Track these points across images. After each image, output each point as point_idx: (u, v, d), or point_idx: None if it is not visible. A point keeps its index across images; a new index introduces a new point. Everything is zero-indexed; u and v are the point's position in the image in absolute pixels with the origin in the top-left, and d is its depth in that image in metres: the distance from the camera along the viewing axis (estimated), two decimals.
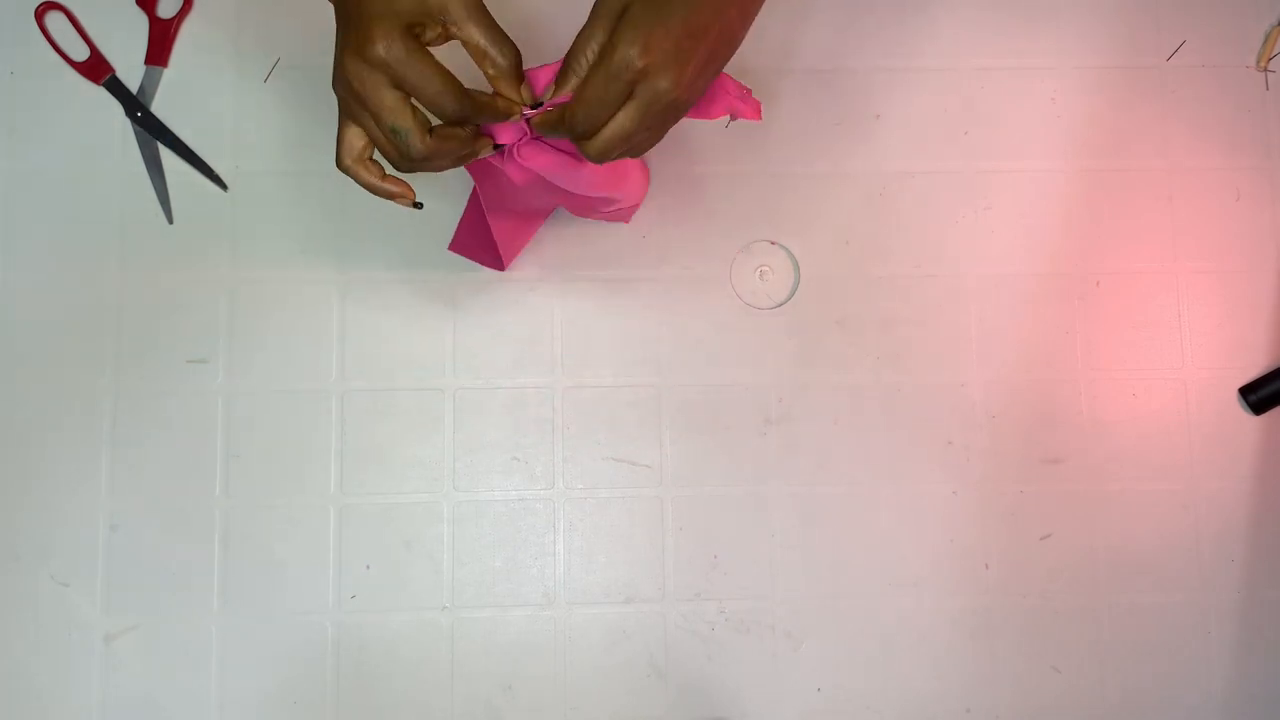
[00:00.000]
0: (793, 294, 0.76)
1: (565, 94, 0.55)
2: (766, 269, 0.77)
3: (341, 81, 0.54)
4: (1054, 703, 0.74)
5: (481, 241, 0.72)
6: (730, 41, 0.55)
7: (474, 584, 0.73)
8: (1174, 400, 0.77)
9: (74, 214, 0.75)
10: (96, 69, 0.75)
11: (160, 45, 0.76)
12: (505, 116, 0.55)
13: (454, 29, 0.54)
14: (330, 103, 0.76)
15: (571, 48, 0.55)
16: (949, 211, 0.77)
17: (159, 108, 0.76)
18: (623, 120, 0.53)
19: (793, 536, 0.74)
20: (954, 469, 0.75)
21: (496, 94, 0.55)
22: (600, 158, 0.55)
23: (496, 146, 0.58)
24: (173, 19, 0.76)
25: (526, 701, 0.73)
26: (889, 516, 0.75)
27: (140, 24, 0.76)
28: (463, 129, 0.55)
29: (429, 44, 0.54)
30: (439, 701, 0.72)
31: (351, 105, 0.55)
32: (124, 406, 0.73)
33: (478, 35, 0.54)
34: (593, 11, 0.54)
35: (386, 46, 0.51)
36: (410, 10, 0.52)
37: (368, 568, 0.73)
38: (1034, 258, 0.77)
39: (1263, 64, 0.80)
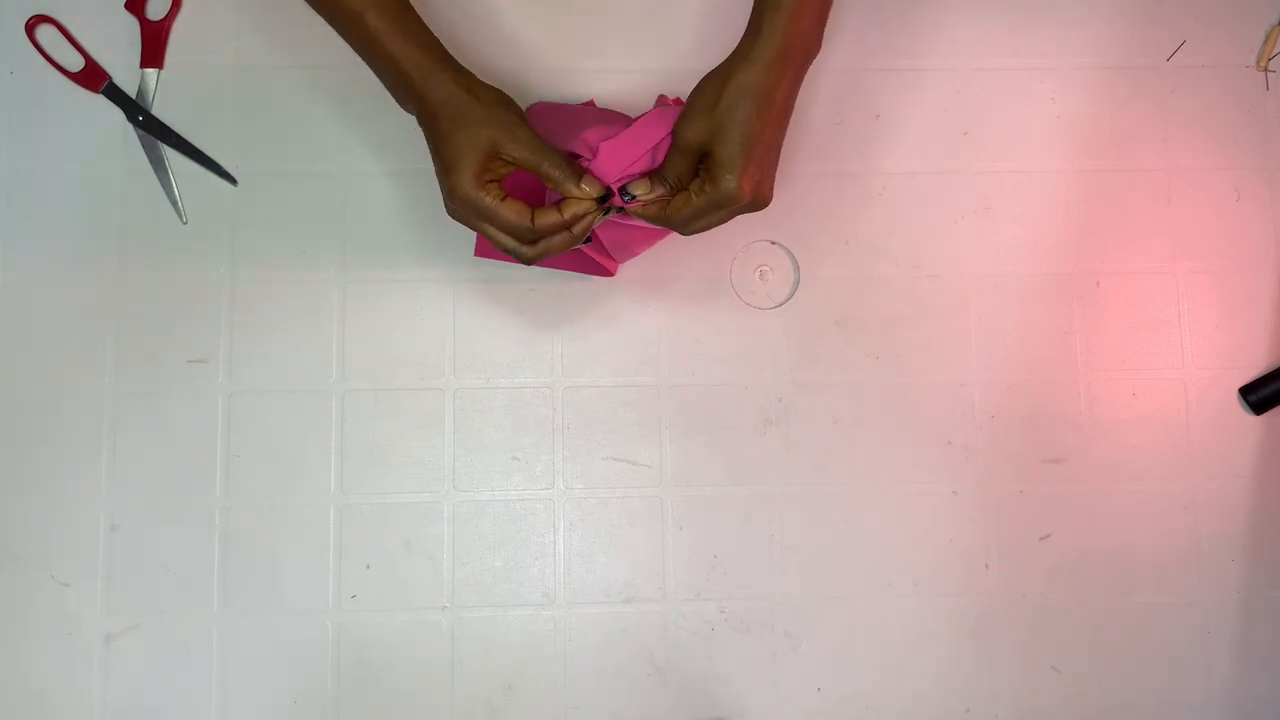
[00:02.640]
0: (793, 294, 0.76)
1: (655, 195, 0.64)
2: (766, 269, 0.77)
3: (453, 217, 0.65)
4: (1054, 703, 0.74)
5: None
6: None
7: (474, 584, 0.73)
8: (1174, 400, 0.77)
9: (74, 215, 0.75)
10: (93, 77, 0.75)
11: (154, 47, 0.76)
12: (575, 221, 0.64)
13: (510, 157, 0.63)
14: (328, 105, 0.76)
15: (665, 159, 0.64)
16: (949, 211, 0.77)
17: (159, 109, 0.76)
18: (716, 221, 0.64)
19: (793, 536, 0.74)
20: (954, 469, 0.75)
21: (562, 204, 0.63)
22: (688, 234, 0.65)
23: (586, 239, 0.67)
24: (163, 20, 0.76)
25: (526, 701, 0.73)
26: (889, 516, 0.75)
27: (131, 28, 0.76)
28: (560, 230, 0.64)
29: (502, 176, 0.63)
30: (439, 701, 0.72)
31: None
32: (124, 406, 0.73)
33: (526, 155, 0.63)
34: (674, 143, 0.63)
35: (462, 197, 0.62)
36: (474, 156, 0.62)
37: (368, 568, 0.73)
38: (1034, 258, 0.77)
39: (1263, 64, 0.80)
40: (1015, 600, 0.75)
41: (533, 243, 0.64)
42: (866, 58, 0.78)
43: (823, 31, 0.63)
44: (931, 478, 0.75)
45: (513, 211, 0.62)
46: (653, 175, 0.64)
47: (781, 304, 0.76)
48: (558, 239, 0.64)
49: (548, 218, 0.63)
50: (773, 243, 0.77)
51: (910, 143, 0.78)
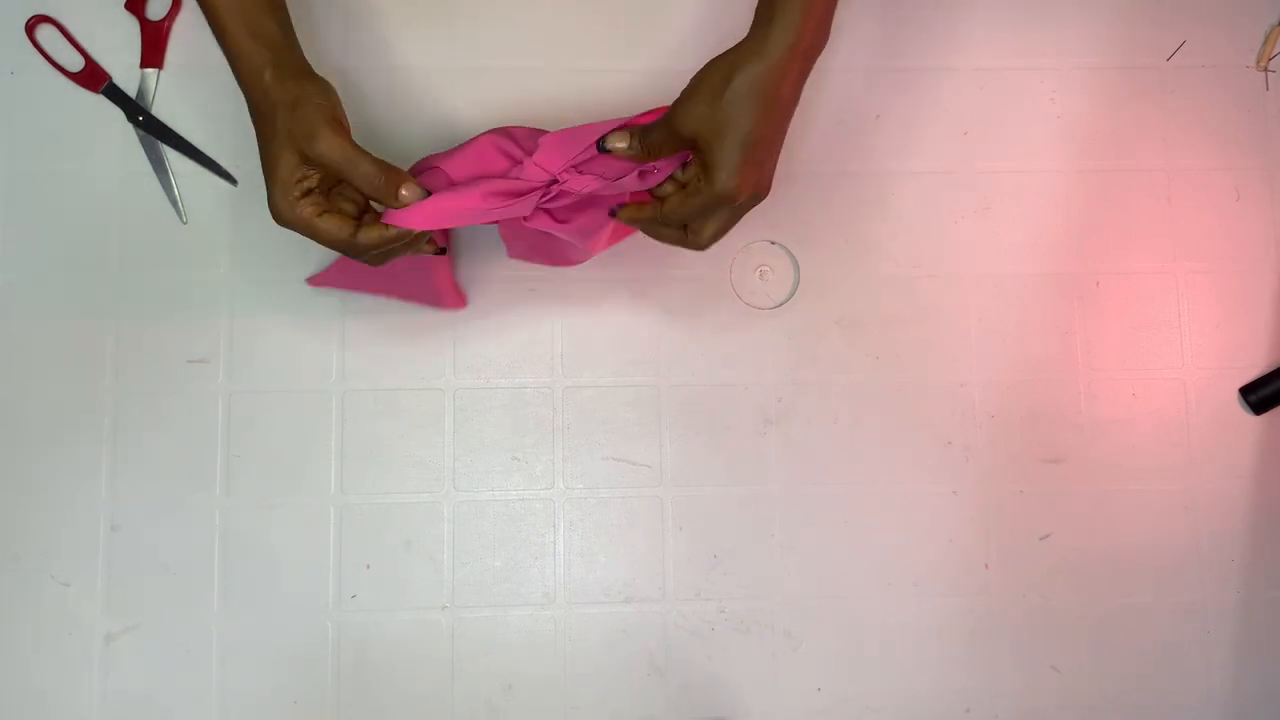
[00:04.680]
0: (793, 294, 0.76)
1: (632, 150, 0.61)
2: (766, 269, 0.77)
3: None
4: (1054, 703, 0.74)
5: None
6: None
7: (474, 584, 0.73)
8: (1174, 400, 0.77)
9: (74, 215, 0.75)
10: (93, 77, 0.75)
11: (154, 47, 0.76)
12: (401, 239, 0.60)
13: (319, 165, 0.59)
14: None
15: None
16: (949, 211, 0.77)
17: (159, 109, 0.76)
18: (724, 222, 0.62)
19: (793, 536, 0.74)
20: (954, 469, 0.75)
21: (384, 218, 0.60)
22: (704, 248, 0.64)
23: (440, 250, 0.66)
24: (163, 20, 0.76)
25: (526, 701, 0.73)
26: (889, 516, 0.75)
27: (131, 28, 0.76)
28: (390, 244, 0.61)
29: (320, 185, 0.60)
30: (439, 701, 0.72)
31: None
32: (124, 406, 0.73)
33: (333, 162, 0.58)
34: (667, 118, 0.60)
35: (275, 212, 0.59)
36: (284, 167, 0.58)
37: (368, 568, 0.73)
38: (1034, 258, 0.77)
39: (1263, 64, 0.80)
40: (1015, 600, 0.75)
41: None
42: (867, 58, 0.78)
43: (831, 23, 0.60)
44: (931, 478, 0.75)
45: (332, 226, 0.59)
46: (632, 129, 0.61)
47: (781, 304, 0.76)
48: (399, 245, 0.61)
49: (371, 234, 0.59)
50: (773, 243, 0.77)
51: (910, 143, 0.78)
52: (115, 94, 0.75)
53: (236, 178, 0.76)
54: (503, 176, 0.62)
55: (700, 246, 0.63)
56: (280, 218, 0.59)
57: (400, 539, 0.73)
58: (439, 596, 0.73)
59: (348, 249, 0.60)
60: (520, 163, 0.63)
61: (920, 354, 0.76)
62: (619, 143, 0.61)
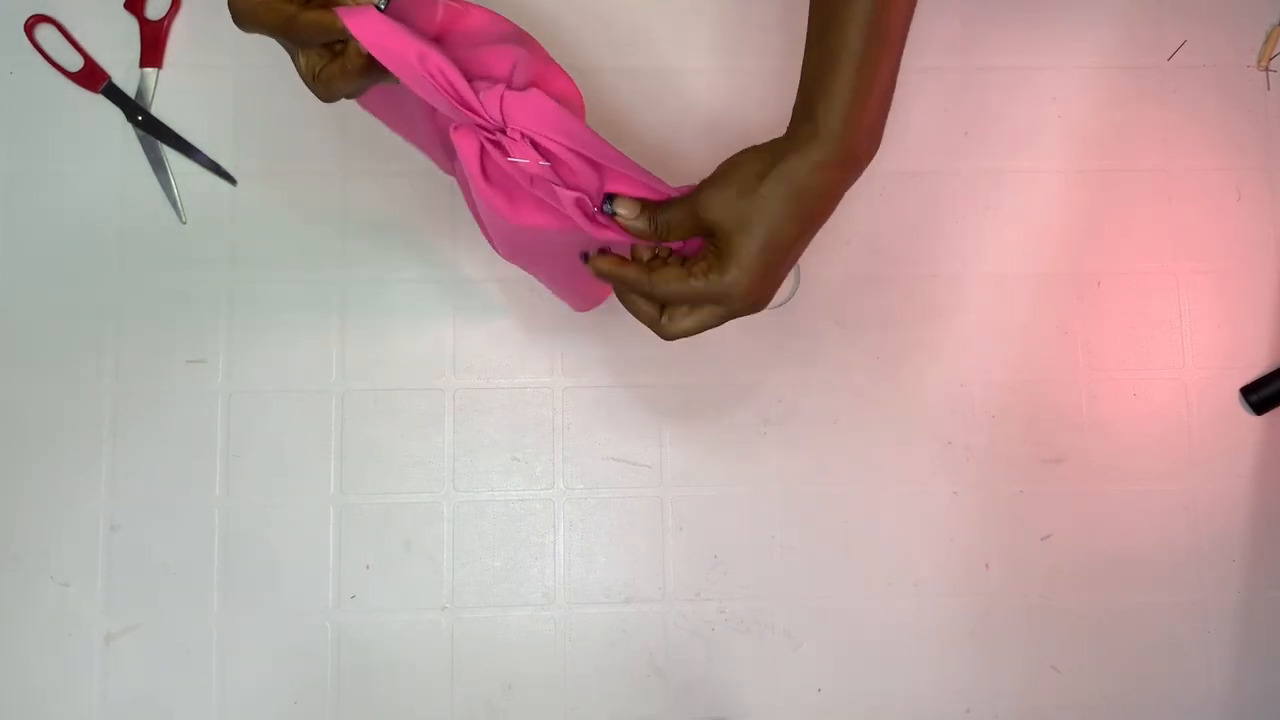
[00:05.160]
0: (793, 294, 0.76)
1: (636, 223, 0.56)
2: None
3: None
4: (1054, 703, 0.74)
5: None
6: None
7: (474, 584, 0.73)
8: (1174, 400, 0.77)
9: (74, 214, 0.75)
10: (92, 77, 0.75)
11: (153, 47, 0.76)
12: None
13: None
14: (328, 105, 0.76)
15: (656, 217, 0.56)
16: (949, 211, 0.77)
17: (159, 109, 0.76)
18: (707, 319, 0.56)
19: (793, 536, 0.74)
20: (954, 469, 0.75)
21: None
22: (671, 339, 0.58)
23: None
24: (162, 20, 0.76)
25: (526, 701, 0.73)
26: (889, 516, 0.75)
27: (131, 28, 0.76)
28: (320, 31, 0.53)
29: None
30: (439, 701, 0.72)
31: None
32: (124, 406, 0.73)
33: None
34: (689, 199, 0.55)
35: (238, 10, 0.52)
36: None
37: (368, 568, 0.73)
38: (1034, 258, 0.77)
39: (1263, 64, 0.80)
40: (1015, 600, 0.75)
41: (316, 79, 0.54)
42: None
43: (881, 132, 0.55)
44: (932, 478, 0.75)
45: (277, 4, 0.52)
46: (645, 203, 0.56)
47: (781, 304, 0.76)
48: (334, 68, 0.53)
49: (311, 16, 0.52)
50: None
51: (910, 143, 0.78)
52: (115, 94, 0.75)
53: (236, 178, 0.76)
54: (461, 68, 0.54)
55: (668, 335, 0.58)
56: (235, 11, 0.52)
57: (400, 539, 0.73)
58: (439, 596, 0.73)
59: (287, 30, 0.52)
60: (491, 82, 0.55)
61: (920, 354, 0.76)
62: (624, 210, 0.56)
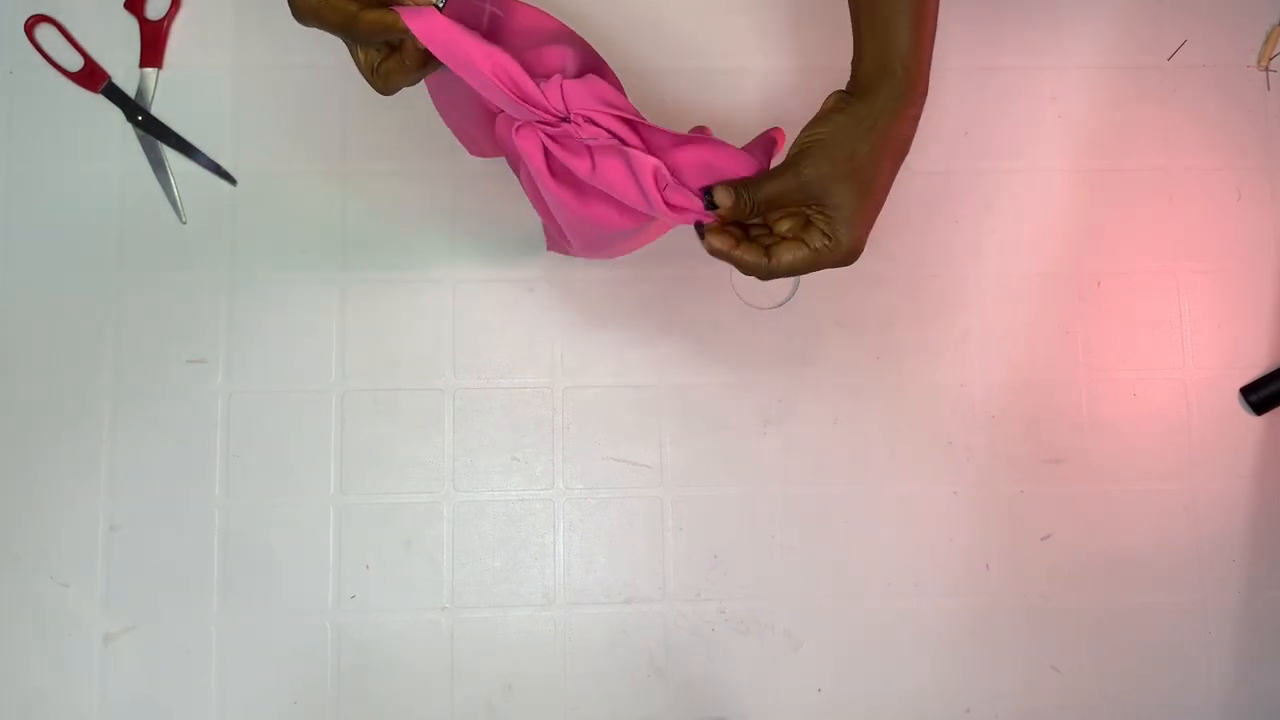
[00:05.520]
0: (793, 294, 0.76)
1: (732, 207, 0.58)
2: None
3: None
4: (1054, 703, 0.74)
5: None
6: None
7: (474, 584, 0.73)
8: (1174, 400, 0.77)
9: (74, 215, 0.75)
10: (92, 77, 0.75)
11: (153, 47, 0.76)
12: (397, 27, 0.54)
13: None
14: (328, 105, 0.76)
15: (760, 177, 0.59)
16: (949, 211, 0.77)
17: (159, 109, 0.76)
18: (803, 262, 0.58)
19: (793, 536, 0.74)
20: (954, 469, 0.75)
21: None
22: (769, 277, 0.59)
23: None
24: (162, 19, 0.76)
25: (526, 701, 0.73)
26: (889, 516, 0.75)
27: (131, 28, 0.76)
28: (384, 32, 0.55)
29: None
30: (439, 701, 0.72)
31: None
32: (124, 406, 0.73)
33: None
34: (785, 175, 0.58)
35: (298, 6, 0.54)
36: None
37: (368, 568, 0.73)
38: (1035, 257, 0.77)
39: (1263, 63, 0.80)
40: (1015, 600, 0.75)
41: (375, 73, 0.56)
42: None
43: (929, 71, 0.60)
44: (932, 478, 0.75)
45: (340, 2, 0.53)
46: (736, 185, 0.58)
47: (781, 304, 0.76)
48: (393, 62, 0.56)
49: (373, 15, 0.53)
50: None
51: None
52: (114, 94, 0.75)
53: (236, 178, 0.76)
54: (523, 67, 0.56)
55: (769, 275, 0.59)
56: (296, 7, 0.54)
57: (400, 539, 0.73)
58: (439, 597, 0.73)
59: (348, 29, 0.54)
60: (547, 76, 0.57)
61: (920, 354, 0.76)
62: (725, 199, 0.57)
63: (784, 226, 0.59)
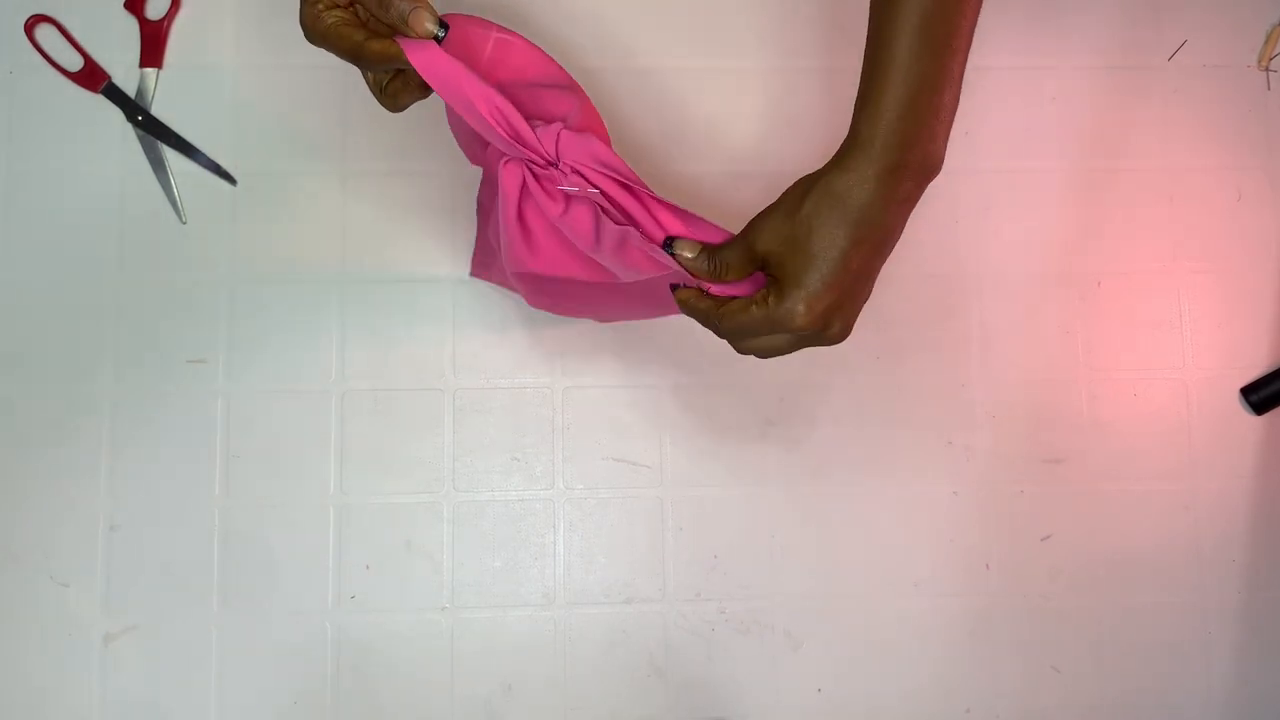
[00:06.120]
0: None
1: (697, 263, 0.56)
2: None
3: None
4: (1054, 703, 0.74)
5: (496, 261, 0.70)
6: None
7: (474, 584, 0.73)
8: (1175, 400, 0.77)
9: (74, 215, 0.75)
10: (92, 77, 0.75)
11: (153, 47, 0.76)
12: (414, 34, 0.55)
13: None
14: (328, 105, 0.76)
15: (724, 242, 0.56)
16: (949, 211, 0.77)
17: (159, 109, 0.76)
18: (778, 344, 0.55)
19: (793, 536, 0.74)
20: (954, 469, 0.75)
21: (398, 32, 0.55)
22: (742, 353, 0.57)
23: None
24: (162, 19, 0.76)
25: (526, 702, 0.73)
26: (889, 516, 0.75)
27: (131, 27, 0.76)
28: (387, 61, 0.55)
29: (346, 3, 0.55)
30: (439, 701, 0.72)
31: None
32: (124, 406, 0.73)
33: None
34: (742, 234, 0.55)
35: (306, 25, 0.55)
36: None
37: (367, 568, 0.73)
38: (1035, 257, 0.77)
39: (1264, 64, 0.80)
40: (1015, 600, 0.75)
41: (383, 92, 0.58)
42: None
43: (944, 140, 0.52)
44: (932, 478, 0.75)
45: (346, 31, 0.54)
46: (704, 245, 0.56)
47: None
48: (399, 83, 0.57)
49: (377, 45, 0.54)
50: None
51: None
52: (114, 94, 0.75)
53: (236, 178, 0.76)
54: (517, 104, 0.57)
55: (737, 346, 0.58)
56: (307, 30, 0.55)
57: (400, 539, 0.73)
58: (439, 597, 0.73)
59: (354, 56, 0.55)
60: (547, 122, 0.58)
61: (920, 354, 0.76)
62: (686, 252, 0.56)
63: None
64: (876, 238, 0.53)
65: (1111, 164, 0.78)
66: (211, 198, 0.75)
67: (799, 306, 0.52)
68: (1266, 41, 0.79)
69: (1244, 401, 0.77)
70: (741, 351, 0.57)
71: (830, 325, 0.54)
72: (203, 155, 0.75)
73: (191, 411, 0.74)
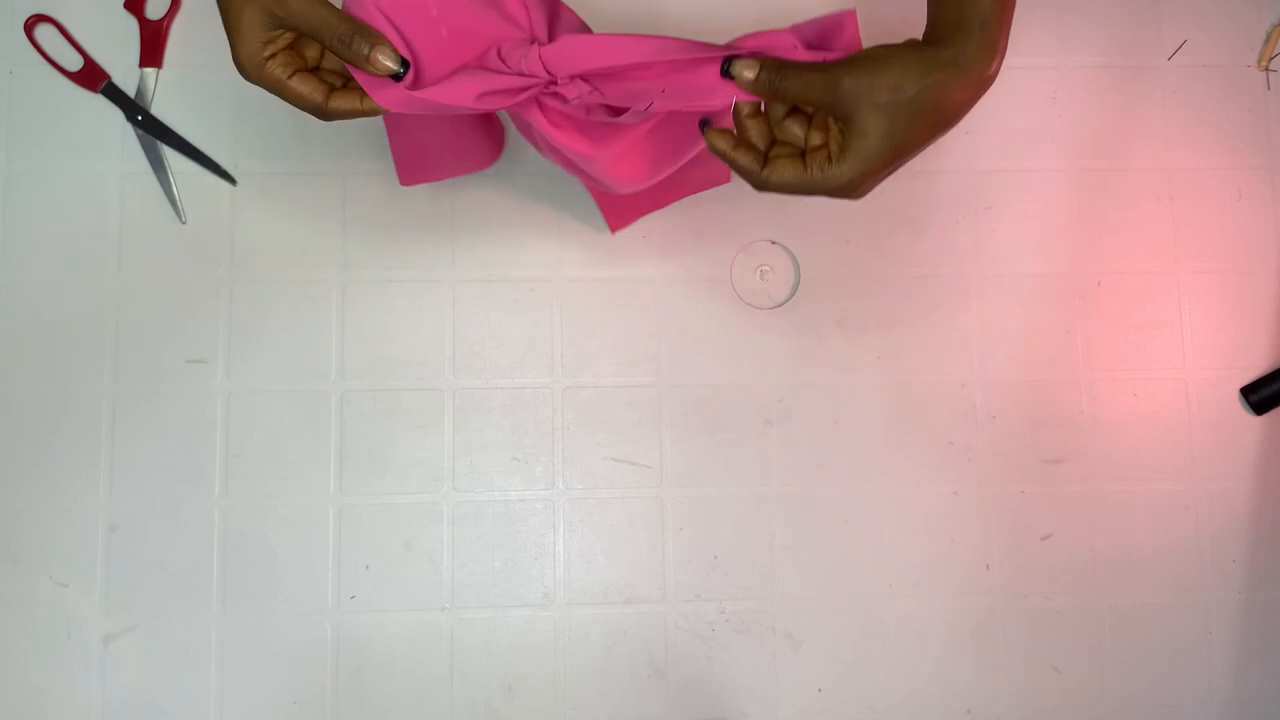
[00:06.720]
0: (793, 294, 0.76)
1: (758, 82, 0.54)
2: (766, 269, 0.76)
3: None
4: (1054, 703, 0.74)
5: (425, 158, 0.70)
6: None
7: (474, 584, 0.73)
8: (1175, 400, 0.77)
9: (73, 214, 0.75)
10: (92, 76, 0.75)
11: (153, 47, 0.76)
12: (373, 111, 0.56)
13: (290, 25, 0.54)
14: None
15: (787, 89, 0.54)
16: (949, 211, 0.77)
17: (158, 109, 0.76)
18: (796, 183, 0.54)
19: (793, 536, 0.74)
20: (954, 469, 0.75)
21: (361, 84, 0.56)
22: (763, 190, 0.56)
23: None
24: (162, 19, 0.76)
25: (526, 702, 0.73)
26: (889, 517, 0.75)
27: (130, 27, 0.76)
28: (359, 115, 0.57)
29: (291, 45, 0.56)
30: (439, 701, 0.72)
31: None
32: (124, 406, 0.73)
33: (304, 22, 0.54)
34: (826, 75, 0.53)
35: (243, 69, 0.55)
36: (251, 26, 0.54)
37: (367, 568, 0.73)
38: (1034, 258, 0.77)
39: (1264, 63, 0.80)
40: (1016, 600, 0.75)
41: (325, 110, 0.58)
42: None
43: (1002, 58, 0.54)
44: (932, 478, 0.75)
45: (304, 89, 0.55)
46: (765, 61, 0.53)
47: (781, 304, 0.76)
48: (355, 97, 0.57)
49: (344, 103, 0.55)
50: (773, 242, 0.77)
51: None
52: (114, 93, 0.75)
53: (236, 177, 0.76)
54: (495, 70, 0.56)
55: (762, 187, 0.56)
56: (248, 76, 0.55)
57: (400, 539, 0.73)
58: (438, 597, 0.73)
59: (318, 113, 0.56)
60: (523, 41, 0.56)
61: (920, 354, 0.76)
62: (748, 72, 0.53)
63: (797, 133, 0.56)
64: (945, 124, 0.54)
65: (1111, 164, 0.78)
66: (211, 198, 0.75)
67: (856, 177, 0.53)
68: (1266, 41, 0.79)
69: (1244, 401, 0.77)
70: (762, 187, 0.56)
71: (865, 192, 0.54)
72: (202, 155, 0.75)
73: (191, 411, 0.74)
